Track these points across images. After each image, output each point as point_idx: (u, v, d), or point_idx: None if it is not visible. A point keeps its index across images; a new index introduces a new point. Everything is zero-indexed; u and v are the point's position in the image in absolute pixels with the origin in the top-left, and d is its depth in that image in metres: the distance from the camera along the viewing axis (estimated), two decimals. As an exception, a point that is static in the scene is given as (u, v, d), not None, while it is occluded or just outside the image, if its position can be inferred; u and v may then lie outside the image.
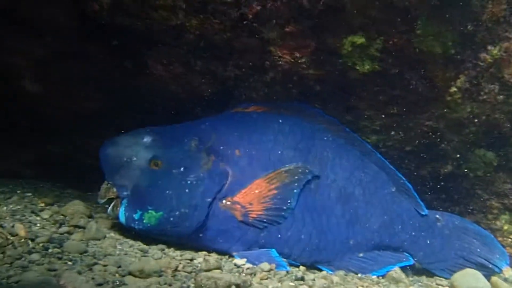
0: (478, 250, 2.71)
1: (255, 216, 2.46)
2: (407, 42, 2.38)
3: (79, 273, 1.87)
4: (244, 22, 2.40)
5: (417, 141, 2.83)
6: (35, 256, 1.99)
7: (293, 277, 2.26)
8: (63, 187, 3.08)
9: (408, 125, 2.75)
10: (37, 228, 2.36)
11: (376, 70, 2.49)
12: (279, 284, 2.12)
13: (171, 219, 2.39)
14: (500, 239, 2.96)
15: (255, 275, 2.21)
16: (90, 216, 2.64)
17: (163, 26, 2.45)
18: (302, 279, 2.25)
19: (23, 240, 2.14)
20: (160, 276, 2.01)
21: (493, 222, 3.01)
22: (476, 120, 2.66)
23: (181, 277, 2.04)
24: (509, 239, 2.98)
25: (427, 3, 2.18)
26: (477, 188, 2.95)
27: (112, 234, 2.50)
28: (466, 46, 2.41)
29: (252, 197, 2.46)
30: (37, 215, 2.54)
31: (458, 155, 2.85)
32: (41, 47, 2.51)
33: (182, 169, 2.43)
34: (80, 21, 2.45)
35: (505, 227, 2.97)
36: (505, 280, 2.70)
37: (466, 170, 2.90)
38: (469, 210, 3.01)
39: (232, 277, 1.99)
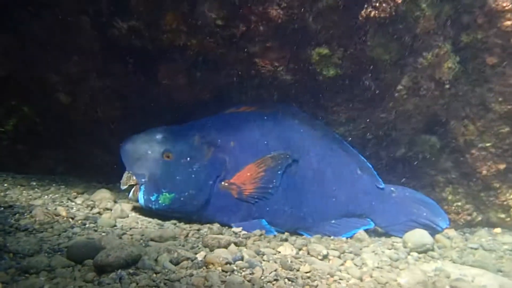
0: (424, 214, 2.91)
1: (248, 193, 2.70)
2: (361, 51, 2.61)
3: (113, 239, 2.11)
4: (233, 40, 2.64)
5: (375, 130, 3.02)
6: (76, 230, 2.26)
7: (279, 239, 2.53)
8: (89, 180, 3.26)
9: (368, 117, 2.95)
10: (74, 210, 2.60)
11: (339, 74, 2.71)
12: (268, 243, 2.40)
13: (182, 199, 2.64)
14: (446, 207, 3.20)
15: (249, 238, 2.46)
16: (115, 201, 2.85)
17: (170, 46, 2.67)
18: (286, 240, 2.53)
19: (65, 218, 2.39)
20: (175, 240, 2.29)
21: (440, 193, 3.21)
22: (419, 111, 2.89)
23: (192, 241, 2.29)
24: (453, 207, 3.20)
25: (373, 21, 2.44)
26: (426, 166, 3.15)
27: (134, 214, 2.73)
28: (406, 53, 2.63)
29: (245, 178, 2.69)
30: (72, 201, 2.77)
31: (408, 141, 3.06)
32: (71, 66, 2.73)
33: (188, 159, 2.67)
34: (103, 44, 2.69)
35: (449, 197, 3.20)
36: (448, 237, 2.93)
37: (415, 153, 3.11)
38: (421, 185, 3.20)
39: (231, 237, 2.29)
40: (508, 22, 2.44)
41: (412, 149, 3.11)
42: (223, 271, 1.87)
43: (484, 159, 2.99)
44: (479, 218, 3.22)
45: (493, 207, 3.14)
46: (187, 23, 2.58)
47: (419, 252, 2.63)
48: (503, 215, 3.12)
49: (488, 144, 2.93)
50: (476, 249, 2.80)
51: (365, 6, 2.41)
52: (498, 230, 3.17)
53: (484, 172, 3.02)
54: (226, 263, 1.92)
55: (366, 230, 2.86)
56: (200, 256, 1.98)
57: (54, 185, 3.04)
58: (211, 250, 2.14)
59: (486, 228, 3.22)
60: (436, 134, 3.04)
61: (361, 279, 2.07)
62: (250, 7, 2.49)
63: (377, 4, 2.37)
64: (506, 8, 2.41)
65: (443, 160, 3.12)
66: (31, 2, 2.43)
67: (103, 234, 2.27)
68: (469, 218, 3.22)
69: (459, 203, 3.21)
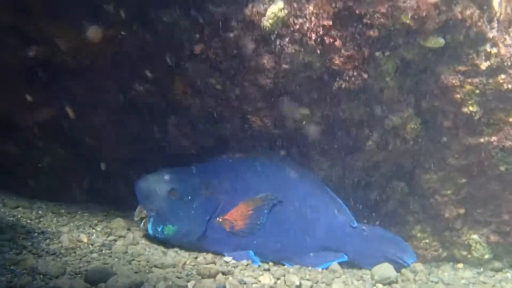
0: (392, 250, 3.11)
1: (238, 228, 2.96)
2: (336, 113, 2.91)
3: (123, 265, 2.45)
4: (230, 101, 2.95)
5: (352, 176, 3.26)
6: (94, 255, 2.53)
7: (263, 269, 2.80)
8: (108, 208, 3.51)
9: (345, 165, 3.21)
10: (94, 237, 2.85)
11: (318, 130, 2.99)
12: (252, 272, 2.68)
13: (183, 231, 2.93)
14: (415, 243, 3.40)
15: (237, 267, 2.74)
16: (129, 229, 3.09)
17: (178, 104, 3.00)
18: (268, 270, 2.79)
19: (86, 244, 2.66)
20: (174, 267, 2.56)
21: (410, 231, 3.40)
22: (388, 162, 3.15)
23: (188, 269, 2.59)
24: (422, 243, 3.40)
25: (344, 91, 2.78)
26: (397, 207, 3.36)
27: (143, 241, 2.98)
28: (374, 116, 2.92)
29: (236, 216, 2.96)
30: (93, 228, 3.02)
31: (380, 185, 3.30)
32: (97, 117, 3.10)
33: (189, 197, 2.97)
34: (124, 100, 3.05)
35: (418, 235, 3.40)
36: (414, 271, 3.13)
37: (387, 196, 3.34)
38: (393, 223, 3.40)
39: (220, 267, 2.61)
40: (458, 95, 2.76)
41: (385, 193, 3.34)
42: (207, 299, 2.22)
43: (446, 204, 3.23)
44: (445, 254, 3.44)
45: (456, 245, 3.37)
46: (192, 87, 2.93)
47: (384, 284, 2.88)
48: (465, 252, 3.36)
49: (449, 192, 3.18)
50: (436, 282, 3.03)
51: (337, 79, 2.74)
52: (460, 265, 3.41)
53: (447, 215, 3.26)
54: (210, 292, 2.28)
55: (339, 263, 3.07)
56: (190, 285, 2.29)
57: (79, 212, 3.30)
58: (203, 278, 2.47)
59: (451, 263, 3.44)
60: (404, 181, 3.28)
61: (324, 308, 2.37)
62: (244, 76, 2.83)
63: (347, 78, 2.70)
64: (455, 84, 2.73)
65: (412, 202, 3.34)
66: (68, 69, 2.84)
67: (116, 259, 2.54)
68: (436, 253, 3.44)
69: (427, 240, 3.42)
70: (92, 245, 2.71)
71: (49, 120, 3.05)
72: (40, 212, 3.14)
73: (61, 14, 2.66)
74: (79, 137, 3.19)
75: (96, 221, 3.22)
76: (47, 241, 2.60)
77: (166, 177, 3.01)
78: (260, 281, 2.61)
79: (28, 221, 2.90)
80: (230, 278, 2.55)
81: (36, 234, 2.66)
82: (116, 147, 3.27)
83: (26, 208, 3.12)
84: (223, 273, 2.58)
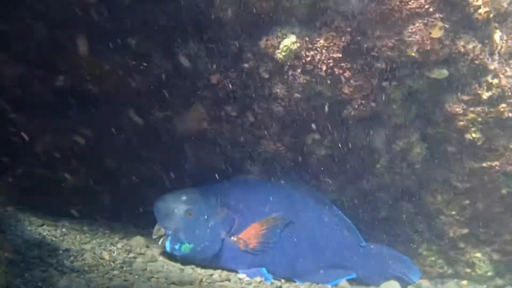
0: (399, 268, 3.21)
1: (252, 247, 3.01)
2: (345, 138, 3.01)
3: (143, 282, 2.51)
4: (245, 127, 3.05)
5: (360, 197, 3.34)
6: (116, 272, 2.56)
7: (275, 286, 2.87)
8: (127, 226, 3.56)
9: (354, 187, 3.29)
10: (115, 254, 2.88)
11: (328, 154, 3.10)
12: None
13: (199, 249, 2.97)
14: (422, 260, 3.47)
15: (250, 284, 2.81)
16: (147, 246, 3.13)
17: (195, 131, 3.10)
18: (280, 287, 2.88)
19: (107, 261, 2.70)
20: (191, 284, 2.60)
21: (416, 249, 3.47)
22: (397, 184, 3.24)
23: (204, 286, 2.63)
24: (428, 261, 3.47)
25: (353, 118, 2.89)
26: (404, 226, 3.43)
27: (162, 258, 3.03)
28: (382, 141, 3.00)
29: (250, 235, 3.02)
30: (114, 246, 3.05)
31: (388, 206, 3.38)
32: (118, 141, 3.19)
33: (206, 217, 3.02)
34: (143, 126, 3.15)
35: (424, 253, 3.47)
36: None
37: (395, 216, 3.41)
38: (400, 242, 3.48)
39: (234, 284, 2.69)
40: (461, 123, 2.85)
41: (392, 213, 3.41)
42: (219, 315, 2.30)
43: (450, 224, 3.31)
44: (450, 271, 3.50)
45: (460, 263, 3.44)
46: (209, 114, 3.04)
47: (391, 301, 2.94)
48: (469, 270, 3.42)
49: (453, 212, 3.26)
50: (442, 298, 3.11)
51: (347, 107, 2.85)
52: (465, 282, 3.47)
53: (451, 234, 3.33)
54: (222, 309, 2.36)
55: (348, 280, 3.15)
56: (207, 302, 2.43)
57: (101, 230, 3.33)
58: (217, 295, 2.58)
59: (456, 279, 3.50)
60: (411, 202, 3.35)
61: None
62: (258, 103, 2.95)
63: (356, 106, 2.82)
64: (459, 112, 2.83)
65: (418, 222, 3.42)
66: (92, 96, 2.97)
67: (136, 276, 2.59)
68: (441, 271, 3.51)
69: (433, 258, 3.49)
70: (113, 262, 2.76)
71: (73, 143, 3.14)
72: (64, 230, 3.19)
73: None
74: (101, 160, 3.28)
75: (117, 239, 3.26)
76: (71, 258, 2.64)
77: (183, 197, 3.08)
78: (272, 298, 2.68)
79: (53, 238, 2.95)
80: (244, 295, 2.64)
81: (61, 251, 2.71)
82: (136, 169, 3.35)
83: (51, 226, 3.16)
84: (236, 291, 2.66)
